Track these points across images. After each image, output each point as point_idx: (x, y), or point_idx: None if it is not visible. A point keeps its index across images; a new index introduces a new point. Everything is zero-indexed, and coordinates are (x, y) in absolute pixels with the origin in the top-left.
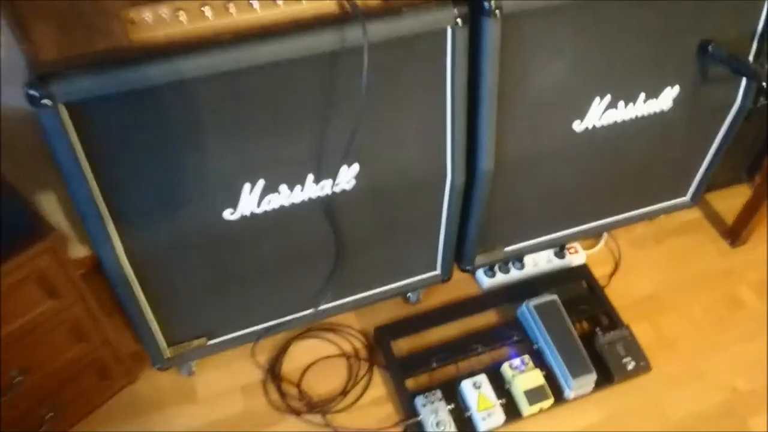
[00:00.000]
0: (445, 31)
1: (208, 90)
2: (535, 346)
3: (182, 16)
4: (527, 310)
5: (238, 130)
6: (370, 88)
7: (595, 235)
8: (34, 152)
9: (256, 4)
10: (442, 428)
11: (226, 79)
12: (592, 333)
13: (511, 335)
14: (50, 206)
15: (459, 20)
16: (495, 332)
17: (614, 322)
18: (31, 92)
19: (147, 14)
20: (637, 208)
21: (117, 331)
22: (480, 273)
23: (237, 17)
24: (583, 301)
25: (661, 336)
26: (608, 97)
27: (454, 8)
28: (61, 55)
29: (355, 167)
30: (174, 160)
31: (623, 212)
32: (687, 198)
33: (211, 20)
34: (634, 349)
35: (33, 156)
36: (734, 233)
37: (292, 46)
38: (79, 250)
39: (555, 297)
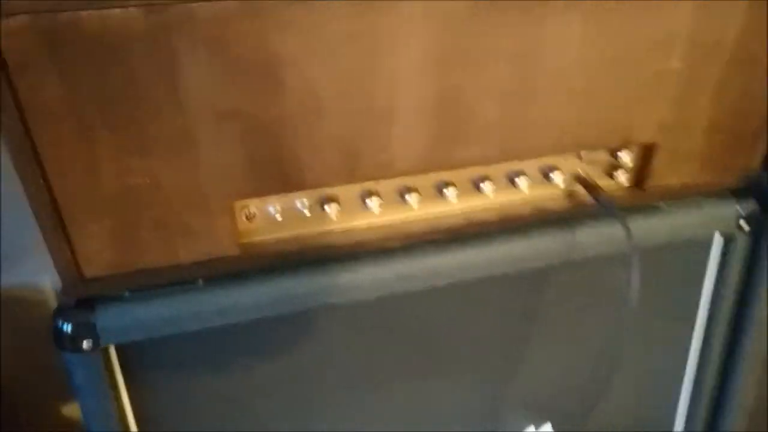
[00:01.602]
0: (713, 234)
1: (342, 317)
2: None
3: (332, 210)
4: None
5: (376, 374)
6: (584, 312)
7: None
8: None
9: (450, 194)
10: None
11: (372, 302)
12: None
13: None
14: None
15: (743, 222)
16: None
17: None
18: (62, 328)
19: (275, 207)
20: None
21: None
22: None
23: (418, 212)
24: None
25: None
26: None
27: (736, 204)
28: (119, 270)
29: (547, 427)
30: (271, 419)
31: None
32: None
33: (376, 216)
34: None
35: None
36: None
37: (501, 259)
38: None
39: None
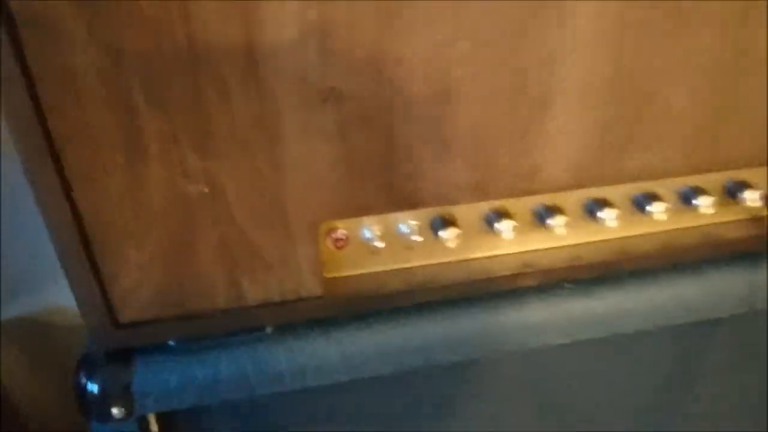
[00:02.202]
0: None
1: (456, 375)
2: None
3: (448, 236)
4: None
5: None
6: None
7: None
8: None
9: (607, 217)
10: None
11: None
12: None
13: None
14: None
15: None
16: None
17: None
18: (87, 388)
19: (373, 231)
20: None
21: None
22: None
23: (562, 240)
24: None
25: None
26: None
27: None
28: (164, 313)
29: None
30: None
31: None
32: None
33: (507, 245)
34: None
35: None
36: None
37: (667, 305)
38: None
39: None
